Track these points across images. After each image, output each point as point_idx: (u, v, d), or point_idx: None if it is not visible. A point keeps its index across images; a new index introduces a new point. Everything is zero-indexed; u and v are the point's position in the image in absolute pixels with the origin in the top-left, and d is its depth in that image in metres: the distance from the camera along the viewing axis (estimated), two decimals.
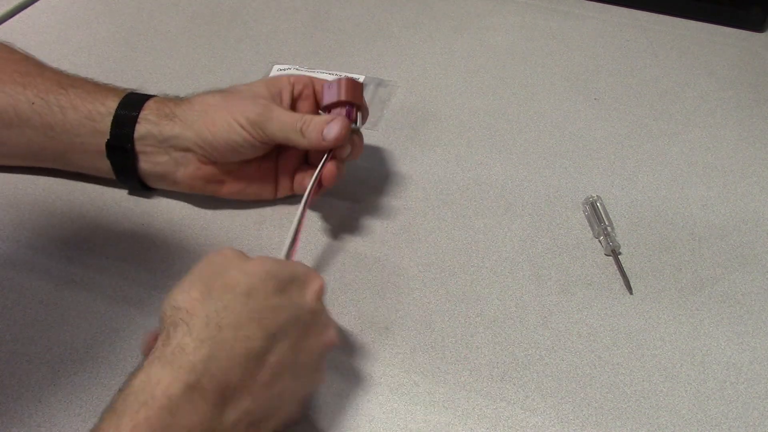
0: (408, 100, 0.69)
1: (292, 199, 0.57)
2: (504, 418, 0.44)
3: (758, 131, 0.66)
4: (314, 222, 0.56)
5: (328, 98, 0.53)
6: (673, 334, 0.49)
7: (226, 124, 0.51)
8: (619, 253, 0.54)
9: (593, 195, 0.58)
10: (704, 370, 0.47)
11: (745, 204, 0.59)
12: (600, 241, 0.55)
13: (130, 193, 0.58)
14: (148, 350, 0.37)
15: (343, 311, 0.50)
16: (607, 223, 0.55)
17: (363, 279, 0.52)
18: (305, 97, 0.55)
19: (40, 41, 0.73)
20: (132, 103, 0.53)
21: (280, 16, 0.79)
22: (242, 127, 0.50)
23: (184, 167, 0.53)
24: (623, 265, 0.53)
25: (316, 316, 0.41)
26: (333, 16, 0.80)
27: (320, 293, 0.42)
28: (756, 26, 0.79)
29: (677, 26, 0.80)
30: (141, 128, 0.52)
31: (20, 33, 0.75)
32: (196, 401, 0.34)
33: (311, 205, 0.52)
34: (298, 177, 0.55)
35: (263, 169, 0.56)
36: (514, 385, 0.46)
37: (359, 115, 0.54)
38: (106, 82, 0.57)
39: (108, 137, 0.52)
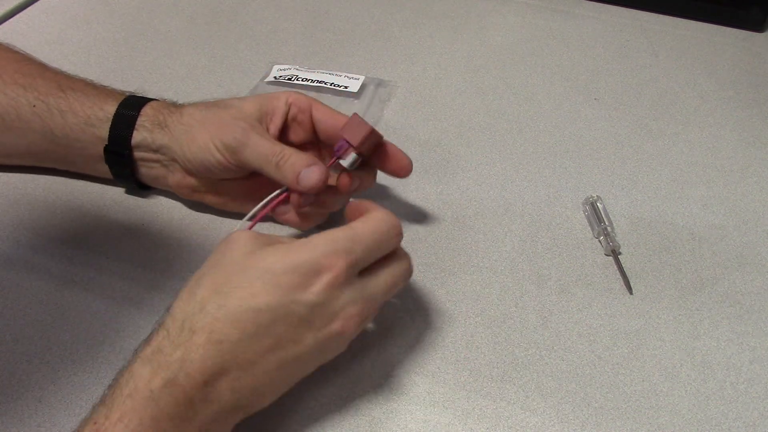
0: (408, 100, 0.69)
1: None
2: (504, 418, 0.44)
3: (758, 131, 0.66)
4: None
5: (349, 133, 0.48)
6: (673, 334, 0.49)
7: (203, 143, 0.50)
8: (619, 253, 0.54)
9: (593, 195, 0.58)
10: (704, 370, 0.47)
11: (745, 204, 0.59)
12: (600, 241, 0.55)
13: (128, 192, 0.58)
14: None
15: None
16: (607, 223, 0.55)
17: None
18: (300, 122, 0.52)
19: (40, 41, 0.73)
20: (129, 108, 0.53)
21: (279, 16, 0.79)
22: (218, 149, 0.49)
23: (172, 174, 0.54)
24: (623, 265, 0.53)
25: (319, 309, 0.39)
26: (333, 16, 0.80)
27: (334, 282, 0.40)
28: (756, 26, 0.79)
29: (677, 26, 0.80)
30: (138, 135, 0.52)
31: (20, 33, 0.75)
32: (176, 394, 0.37)
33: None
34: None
35: (246, 186, 0.54)
36: (514, 385, 0.46)
37: (354, 158, 0.49)
38: (106, 82, 0.57)
39: (106, 143, 0.53)
